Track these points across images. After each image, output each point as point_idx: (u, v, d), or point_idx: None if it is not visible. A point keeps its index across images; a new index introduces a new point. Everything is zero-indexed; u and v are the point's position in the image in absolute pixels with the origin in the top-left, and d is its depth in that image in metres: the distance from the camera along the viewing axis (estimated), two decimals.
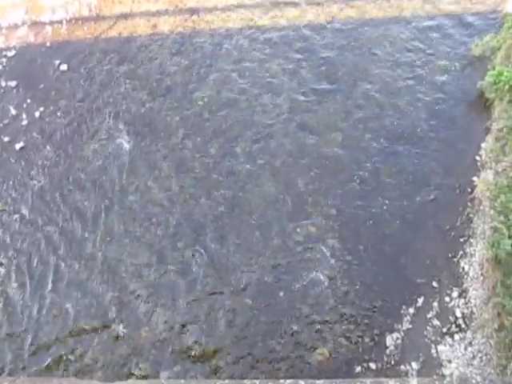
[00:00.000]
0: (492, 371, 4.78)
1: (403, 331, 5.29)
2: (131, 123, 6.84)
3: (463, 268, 5.41)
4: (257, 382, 5.01)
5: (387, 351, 5.19)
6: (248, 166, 6.41)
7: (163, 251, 6.07)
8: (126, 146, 6.69)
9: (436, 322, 5.25)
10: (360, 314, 5.47)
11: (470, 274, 5.33)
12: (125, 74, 7.06)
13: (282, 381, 5.08)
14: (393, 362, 5.13)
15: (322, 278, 5.72)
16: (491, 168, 5.62)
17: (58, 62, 7.17)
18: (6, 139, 6.78)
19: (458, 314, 5.20)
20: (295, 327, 5.41)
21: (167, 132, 6.78)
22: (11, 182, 6.49)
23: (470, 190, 5.81)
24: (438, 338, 5.16)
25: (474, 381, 4.80)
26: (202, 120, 6.80)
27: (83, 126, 6.86)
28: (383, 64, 6.61)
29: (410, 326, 5.31)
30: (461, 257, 5.48)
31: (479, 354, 4.92)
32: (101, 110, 6.93)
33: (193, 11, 7.16)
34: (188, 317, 5.62)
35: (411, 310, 5.37)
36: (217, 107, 6.81)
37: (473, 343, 4.99)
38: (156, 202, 6.39)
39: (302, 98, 6.63)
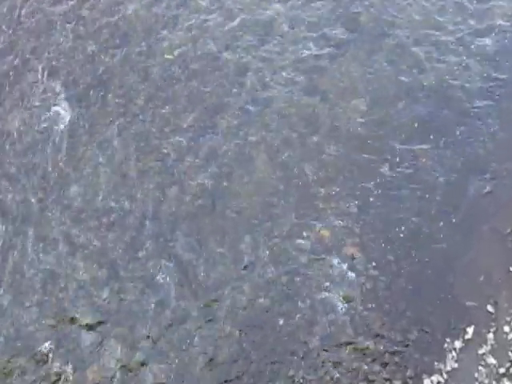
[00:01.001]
0: None
1: (447, 373, 5.19)
2: (73, 85, 6.68)
3: None
4: None
5: None
6: (235, 145, 6.30)
7: (117, 263, 5.93)
8: (66, 116, 6.57)
9: (491, 361, 5.18)
10: (388, 351, 5.34)
11: None
12: (64, 17, 6.88)
13: None
14: None
15: (336, 300, 5.56)
16: None
17: None
18: None
19: None
20: (299, 369, 5.31)
21: (124, 97, 6.64)
22: None
23: None
24: (494, 383, 5.10)
25: None
26: (172, 81, 6.66)
27: (6, 88, 6.70)
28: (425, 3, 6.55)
29: (456, 366, 5.21)
30: None
31: None
32: (31, 65, 6.76)
33: None
34: (151, 352, 5.51)
35: (458, 344, 5.28)
36: (193, 63, 6.66)
37: None
38: (107, 194, 6.25)
39: (310, 49, 6.52)
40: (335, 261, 5.66)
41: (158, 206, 6.12)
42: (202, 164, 6.23)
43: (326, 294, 5.54)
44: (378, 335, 5.38)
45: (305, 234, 5.84)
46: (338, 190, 5.99)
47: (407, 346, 5.29)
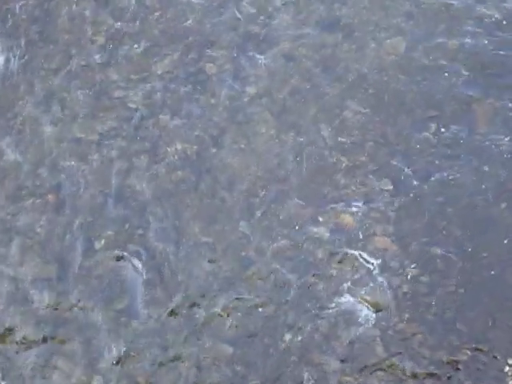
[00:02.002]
0: None
1: None
2: (5, 15, 6.73)
3: None
4: None
5: None
6: (228, 98, 6.28)
7: (68, 256, 5.88)
8: None
9: None
10: (431, 375, 5.26)
11: None
12: None
13: None
14: None
15: (361, 308, 5.46)
16: None
17: None
18: None
19: None
20: None
21: (75, 33, 6.70)
22: None
23: None
24: None
25: None
26: (143, 10, 6.73)
27: None
28: None
29: None
30: None
31: None
32: None
33: None
34: (113, 377, 5.46)
35: None
36: None
37: None
38: (54, 164, 6.24)
39: None
40: (361, 256, 5.60)
41: (123, 180, 6.07)
42: (182, 124, 6.19)
43: (349, 299, 5.48)
44: (417, 355, 5.34)
45: (320, 219, 5.74)
46: (365, 160, 5.88)
47: (456, 369, 5.26)
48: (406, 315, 5.39)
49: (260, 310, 5.51)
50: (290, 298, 5.54)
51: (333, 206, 5.77)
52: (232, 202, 5.88)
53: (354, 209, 5.74)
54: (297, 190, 5.87)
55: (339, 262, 5.59)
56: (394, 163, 5.86)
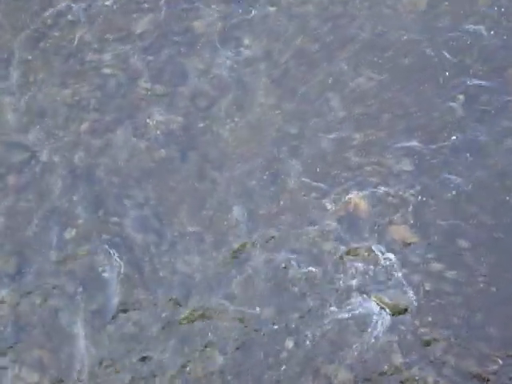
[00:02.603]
0: None
1: None
2: None
3: None
4: None
5: None
6: (219, 60, 6.27)
7: (31, 248, 5.86)
8: None
9: None
10: None
11: None
12: None
13: None
14: None
15: (376, 309, 5.42)
16: None
17: None
18: None
19: None
20: None
21: None
22: None
23: None
24: None
25: None
26: None
27: None
28: None
29: None
30: None
31: None
32: None
33: None
34: None
35: None
36: None
37: None
38: (16, 140, 6.28)
39: None
40: (376, 248, 5.56)
41: (96, 157, 6.04)
42: (165, 92, 6.19)
43: (362, 300, 5.44)
44: (440, 364, 5.30)
45: (329, 205, 5.71)
46: (382, 135, 5.88)
47: (486, 380, 5.24)
48: (428, 318, 5.35)
49: (257, 312, 5.48)
50: (292, 298, 5.53)
51: (343, 189, 5.75)
52: (224, 185, 5.85)
53: (368, 193, 5.70)
54: (301, 170, 5.85)
55: (350, 256, 5.57)
56: (415, 139, 5.83)
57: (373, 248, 5.57)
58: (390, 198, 5.68)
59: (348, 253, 5.58)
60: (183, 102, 6.16)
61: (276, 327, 5.40)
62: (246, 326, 5.44)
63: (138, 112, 6.16)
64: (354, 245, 5.58)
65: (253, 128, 6.03)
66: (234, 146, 5.99)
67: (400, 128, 5.90)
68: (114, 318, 5.54)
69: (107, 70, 6.35)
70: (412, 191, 5.67)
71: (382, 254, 5.56)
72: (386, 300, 5.42)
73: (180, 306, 5.54)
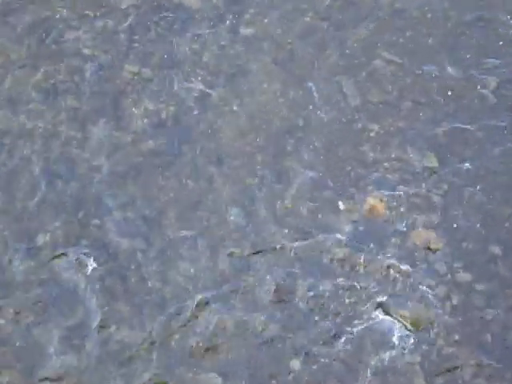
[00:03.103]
0: None
1: None
2: None
3: None
4: None
5: None
6: (215, 38, 6.29)
7: None
8: None
9: None
10: None
11: None
12: None
13: None
14: None
15: (396, 326, 5.36)
16: None
17: None
18: None
19: None
20: None
21: None
22: None
23: None
24: None
25: None
26: None
27: None
28: None
29: None
30: None
31: None
32: None
33: None
34: None
35: None
36: None
37: None
38: None
39: None
40: (395, 256, 5.52)
41: (75, 151, 5.98)
42: (152, 76, 6.16)
43: (379, 315, 5.37)
44: None
45: (341, 206, 5.66)
46: (402, 126, 5.85)
47: None
48: (456, 336, 5.31)
49: (259, 328, 5.41)
50: (298, 313, 5.46)
51: (358, 189, 5.72)
52: (221, 183, 5.79)
53: (387, 192, 5.68)
54: (309, 166, 5.81)
55: (366, 265, 5.52)
56: (441, 131, 5.81)
57: (392, 256, 5.54)
58: (412, 199, 5.66)
59: (363, 261, 5.53)
60: (175, 87, 6.14)
61: (280, 345, 5.34)
62: (246, 344, 5.39)
63: (123, 99, 6.13)
64: (371, 252, 5.54)
65: (254, 118, 5.99)
66: (232, 138, 5.96)
67: (423, 118, 5.88)
68: (93, 335, 5.45)
69: (87, 51, 6.32)
70: (437, 191, 5.67)
71: (403, 262, 5.52)
72: (407, 315, 5.38)
73: (171, 321, 5.45)
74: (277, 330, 5.39)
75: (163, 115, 6.07)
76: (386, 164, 5.74)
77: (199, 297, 5.47)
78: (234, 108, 5.99)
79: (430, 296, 5.38)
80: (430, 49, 6.12)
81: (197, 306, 5.54)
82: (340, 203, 5.65)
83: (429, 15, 6.25)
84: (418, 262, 5.46)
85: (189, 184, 5.83)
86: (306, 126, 5.91)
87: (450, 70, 6.07)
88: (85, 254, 5.67)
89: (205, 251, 5.62)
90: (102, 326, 5.44)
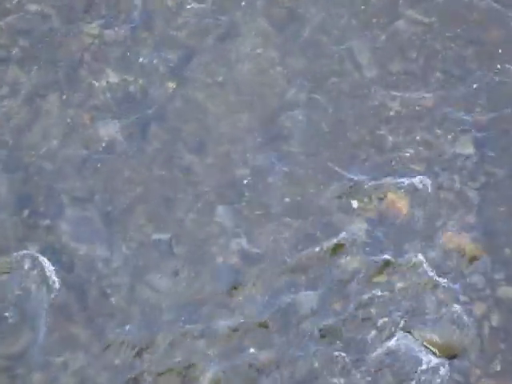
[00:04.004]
0: None
1: None
2: None
3: None
4: None
5: None
6: None
7: None
8: None
9: None
10: None
11: None
12: None
13: None
14: None
15: (424, 352, 5.30)
16: None
17: None
18: None
19: None
20: None
21: None
22: None
23: None
24: None
25: None
26: None
27: None
28: None
29: None
30: None
31: None
32: None
33: None
34: None
35: None
36: None
37: None
38: None
39: None
40: (421, 265, 5.46)
41: (20, 135, 5.91)
42: (116, 38, 6.10)
43: (401, 339, 5.30)
44: None
45: (355, 203, 5.59)
46: (429, 103, 5.83)
47: None
48: (496, 365, 5.25)
49: (254, 355, 5.30)
50: (301, 337, 5.36)
51: (375, 180, 5.62)
52: (203, 174, 5.68)
53: (410, 186, 5.59)
54: (312, 153, 5.73)
55: (384, 277, 5.44)
56: (478, 110, 5.76)
57: (416, 264, 5.45)
58: (442, 194, 5.60)
59: (381, 271, 5.45)
60: (145, 53, 6.04)
61: (278, 376, 5.30)
62: (238, 375, 5.33)
63: (81, 69, 6.04)
64: (390, 261, 5.47)
65: (245, 92, 5.90)
66: (217, 117, 5.85)
67: (456, 93, 5.84)
68: (43, 363, 5.36)
69: (34, 7, 6.22)
70: (473, 183, 5.61)
71: (430, 272, 5.44)
72: (436, 339, 5.32)
73: (139, 346, 5.35)
74: (274, 357, 5.32)
75: (130, 89, 5.97)
76: (409, 150, 5.67)
77: (176, 317, 5.38)
78: (220, 79, 5.89)
79: (464, 316, 5.33)
80: (466, 6, 6.11)
81: (173, 331, 5.46)
82: (352, 199, 5.59)
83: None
84: (449, 274, 5.39)
85: (162, 175, 5.72)
86: (309, 103, 5.83)
87: (494, 32, 6.02)
88: (31, 263, 5.57)
89: (183, 260, 5.51)
90: (53, 354, 5.35)
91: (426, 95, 5.89)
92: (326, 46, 6.04)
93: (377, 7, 6.21)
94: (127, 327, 5.38)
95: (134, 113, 5.95)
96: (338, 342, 5.34)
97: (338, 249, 5.57)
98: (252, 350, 5.40)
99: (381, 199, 5.57)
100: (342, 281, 5.50)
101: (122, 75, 6.07)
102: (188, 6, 6.28)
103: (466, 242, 5.46)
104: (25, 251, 5.62)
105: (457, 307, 5.31)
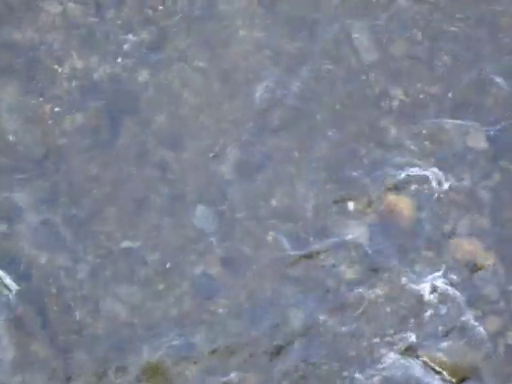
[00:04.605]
0: None
1: None
2: None
3: None
4: None
5: None
6: None
7: None
8: None
9: None
10: None
11: None
12: None
13: None
14: None
15: (430, 374, 5.35)
16: None
17: None
18: None
19: None
20: None
21: None
22: None
23: None
24: None
25: None
26: None
27: None
28: None
29: None
30: None
31: None
32: None
33: None
34: None
35: None
36: None
37: None
38: None
39: None
40: (427, 275, 5.50)
41: None
42: (84, 17, 6.06)
43: (404, 360, 5.35)
44: None
45: (351, 205, 5.60)
46: (436, 90, 5.91)
47: None
48: None
49: (235, 380, 5.27)
50: (289, 360, 5.33)
51: (374, 179, 5.57)
52: (179, 171, 5.65)
53: (414, 185, 5.56)
54: (305, 148, 5.69)
55: (385, 288, 5.43)
56: (491, 98, 5.74)
57: (421, 275, 5.44)
58: (452, 194, 5.60)
59: (381, 282, 5.47)
60: (115, 35, 5.96)
61: None
62: None
63: (40, 53, 5.96)
64: (392, 270, 5.48)
65: (228, 78, 5.85)
66: (196, 107, 5.80)
67: (466, 79, 5.79)
68: None
69: None
70: (486, 182, 5.61)
71: (436, 283, 5.44)
72: (444, 359, 5.41)
73: (107, 365, 5.30)
74: (259, 382, 5.32)
75: (97, 75, 5.89)
76: (413, 144, 5.63)
77: (149, 336, 5.36)
78: (200, 65, 5.83)
79: (474, 332, 5.34)
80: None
81: (147, 351, 5.44)
82: (349, 201, 5.54)
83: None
84: (458, 284, 5.39)
85: (133, 173, 5.66)
86: (301, 91, 5.78)
87: (508, 10, 6.00)
88: None
89: (156, 270, 5.46)
90: (8, 374, 5.31)
91: (433, 82, 5.83)
92: (319, 26, 5.99)
93: None
94: (94, 346, 5.35)
95: (102, 103, 5.86)
96: (336, 359, 5.31)
97: (331, 256, 5.54)
98: (234, 374, 5.39)
99: (381, 200, 5.55)
100: (337, 292, 5.46)
101: (87, 60, 5.97)
102: None
103: (478, 249, 5.46)
104: None
105: (467, 322, 5.32)
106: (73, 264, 5.49)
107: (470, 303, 5.38)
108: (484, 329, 5.35)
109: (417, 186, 5.65)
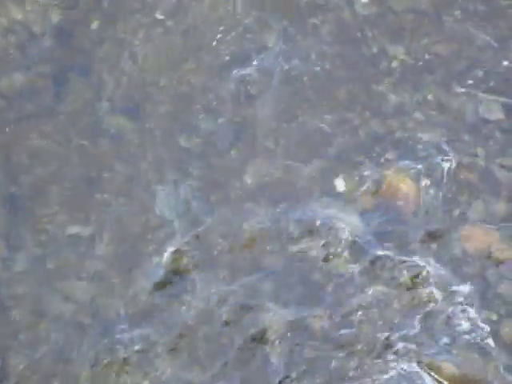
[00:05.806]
0: None
1: None
2: None
3: None
4: None
5: None
6: None
7: None
8: None
9: None
10: None
11: None
12: None
13: None
14: None
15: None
16: None
17: None
18: None
19: None
20: None
21: None
22: None
23: None
24: None
25: None
26: None
27: None
28: None
29: None
30: None
31: None
32: None
33: None
34: None
35: None
36: None
37: None
38: None
39: None
40: (431, 269, 5.52)
41: None
42: None
43: (404, 369, 5.39)
44: None
45: (342, 183, 5.58)
46: (443, 49, 6.02)
47: None
48: None
49: None
50: (270, 365, 5.35)
51: (370, 155, 5.63)
52: (137, 145, 5.69)
53: (419, 163, 5.62)
54: (288, 118, 5.76)
55: (382, 286, 5.48)
56: (508, 61, 5.82)
57: (425, 269, 5.49)
58: (461, 173, 5.63)
59: (378, 278, 5.50)
60: None
61: None
62: None
63: None
64: (389, 263, 5.51)
65: (194, 35, 5.90)
66: (157, 68, 5.87)
67: (480, 37, 5.85)
68: None
69: None
70: (502, 159, 5.65)
71: (443, 280, 5.49)
72: (450, 369, 5.39)
73: (52, 379, 5.36)
74: None
75: (38, 29, 5.94)
76: (416, 114, 5.69)
77: (100, 338, 5.42)
78: (160, 17, 5.89)
79: (488, 338, 5.40)
80: None
81: (96, 357, 5.48)
82: (339, 181, 5.59)
83: None
84: (468, 281, 5.44)
85: (82, 146, 5.71)
86: (282, 49, 5.84)
87: None
88: None
89: (108, 261, 5.52)
90: None
91: (440, 40, 5.89)
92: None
93: None
94: (35, 352, 5.42)
95: (44, 60, 5.90)
96: (325, 371, 5.35)
97: (317, 245, 5.56)
98: None
99: (379, 181, 5.61)
100: (325, 289, 5.51)
101: (27, 10, 6.03)
102: None
103: (492, 239, 5.51)
104: None
105: (479, 327, 5.39)
106: (9, 253, 5.53)
107: (483, 304, 5.42)
108: (497, 335, 5.39)
109: (421, 164, 5.67)
